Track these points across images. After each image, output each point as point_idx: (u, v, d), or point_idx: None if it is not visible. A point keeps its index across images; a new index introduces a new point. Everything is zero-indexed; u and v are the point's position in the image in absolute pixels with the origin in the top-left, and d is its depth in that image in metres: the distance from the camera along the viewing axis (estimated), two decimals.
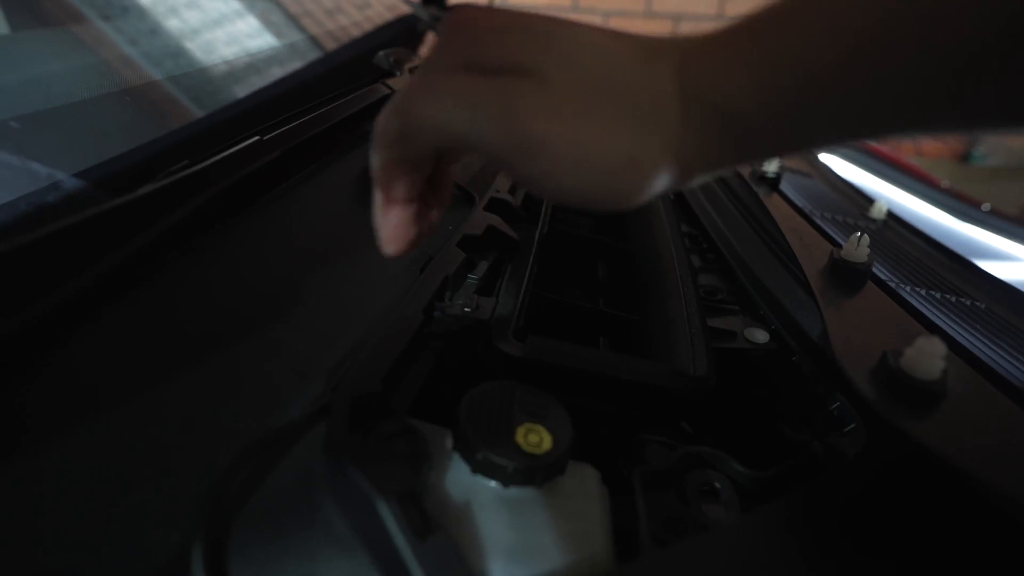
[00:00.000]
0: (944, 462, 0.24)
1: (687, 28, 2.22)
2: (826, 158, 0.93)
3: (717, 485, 0.30)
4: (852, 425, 0.32)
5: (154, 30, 0.45)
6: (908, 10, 0.18)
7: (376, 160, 0.24)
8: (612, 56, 0.22)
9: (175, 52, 0.45)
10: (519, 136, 0.21)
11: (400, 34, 0.86)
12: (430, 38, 0.94)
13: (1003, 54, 0.18)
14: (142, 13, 0.45)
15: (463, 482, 0.26)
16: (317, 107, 0.43)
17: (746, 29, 0.22)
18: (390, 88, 0.52)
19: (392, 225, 0.26)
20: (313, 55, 0.60)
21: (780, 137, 0.22)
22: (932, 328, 0.36)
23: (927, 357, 0.27)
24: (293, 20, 0.63)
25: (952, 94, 0.19)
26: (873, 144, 1.06)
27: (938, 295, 0.42)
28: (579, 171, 0.21)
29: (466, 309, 0.33)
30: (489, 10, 0.23)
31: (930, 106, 0.20)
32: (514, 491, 0.26)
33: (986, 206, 0.93)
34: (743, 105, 0.21)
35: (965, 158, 2.64)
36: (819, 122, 0.21)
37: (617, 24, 2.08)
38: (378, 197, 0.25)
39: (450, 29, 0.23)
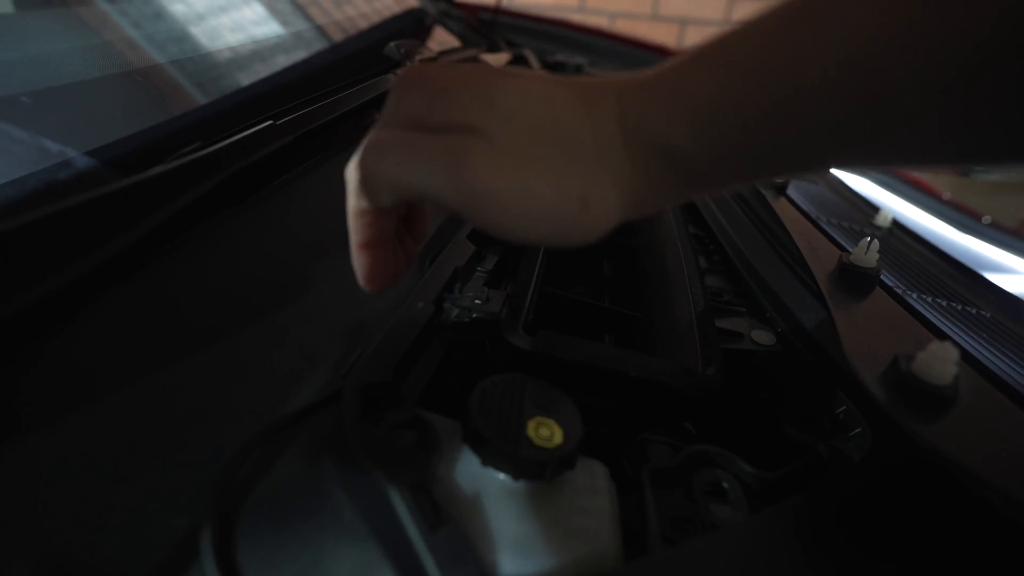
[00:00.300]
0: (956, 467, 0.24)
1: (693, 32, 2.22)
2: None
3: (725, 485, 0.30)
4: (858, 429, 0.32)
5: (167, 13, 0.45)
6: (818, 63, 0.20)
7: (348, 206, 0.25)
8: (553, 104, 0.23)
9: (188, 35, 0.44)
10: (469, 191, 0.22)
11: (408, 26, 0.86)
12: (437, 32, 0.94)
13: (903, 101, 0.19)
14: None
15: (472, 474, 0.25)
16: (329, 94, 0.43)
17: (679, 74, 0.22)
18: None
19: (367, 266, 0.26)
20: (324, 44, 0.59)
21: (725, 173, 0.23)
22: (940, 335, 0.36)
23: (940, 362, 0.27)
24: (303, 9, 0.62)
25: (874, 135, 0.20)
26: None
27: (944, 303, 0.42)
28: (531, 217, 0.22)
29: (476, 301, 0.33)
30: (435, 70, 0.24)
31: (853, 144, 0.21)
32: (524, 484, 0.25)
33: (987, 219, 0.93)
34: (683, 146, 0.22)
35: (965, 172, 2.66)
36: (760, 160, 0.22)
37: (623, 26, 2.08)
38: (352, 239, 0.26)
39: (401, 89, 0.24)
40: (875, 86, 0.19)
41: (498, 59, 0.87)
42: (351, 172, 0.25)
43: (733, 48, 0.22)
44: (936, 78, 0.19)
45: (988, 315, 0.42)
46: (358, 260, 0.27)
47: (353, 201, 0.25)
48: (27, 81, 0.30)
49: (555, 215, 0.22)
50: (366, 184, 0.24)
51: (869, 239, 0.39)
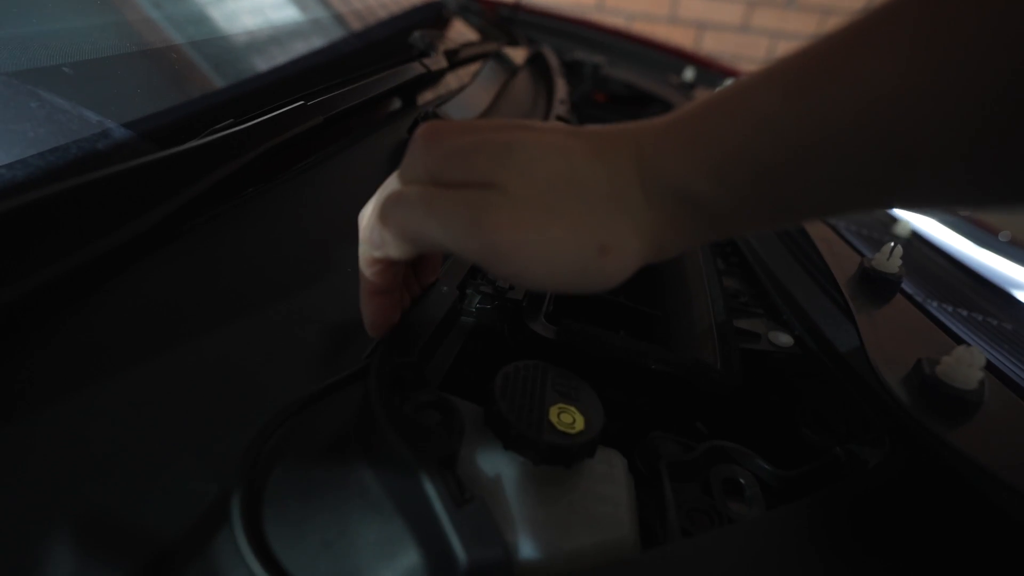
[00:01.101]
0: (982, 471, 0.24)
1: (710, 36, 2.21)
2: None
3: (741, 481, 0.30)
4: (875, 432, 0.32)
5: None
6: (841, 114, 0.20)
7: (361, 253, 0.26)
8: (569, 156, 0.23)
9: (222, 15, 0.44)
10: (489, 245, 0.22)
11: (429, 18, 0.86)
12: (457, 24, 0.94)
13: (936, 144, 0.19)
14: None
15: (493, 458, 0.26)
16: (356, 79, 0.43)
17: (699, 120, 0.22)
18: (427, 67, 0.52)
19: (373, 312, 0.27)
20: (349, 32, 0.59)
21: (748, 219, 0.23)
22: (961, 343, 0.36)
23: (965, 367, 0.27)
24: None
25: (900, 183, 0.20)
26: None
27: (964, 313, 0.42)
28: (551, 267, 0.22)
29: (499, 287, 0.33)
30: (453, 127, 0.24)
31: (878, 193, 0.21)
32: (544, 469, 0.26)
33: (1005, 235, 0.92)
34: (704, 191, 0.22)
35: None
36: (784, 206, 0.22)
37: (641, 28, 2.07)
38: (363, 287, 0.26)
39: (419, 144, 0.24)
40: (899, 137, 0.19)
41: (517, 54, 0.87)
42: (365, 221, 0.25)
43: (755, 96, 0.22)
44: (961, 128, 0.18)
45: (1010, 327, 0.42)
46: (367, 307, 0.27)
47: (367, 249, 0.25)
48: (66, 52, 0.31)
49: (575, 264, 0.22)
50: (386, 236, 0.24)
51: (892, 244, 0.39)
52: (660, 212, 0.23)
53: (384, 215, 0.24)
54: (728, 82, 1.00)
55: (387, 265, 0.26)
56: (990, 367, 0.34)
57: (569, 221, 0.22)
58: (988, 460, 0.24)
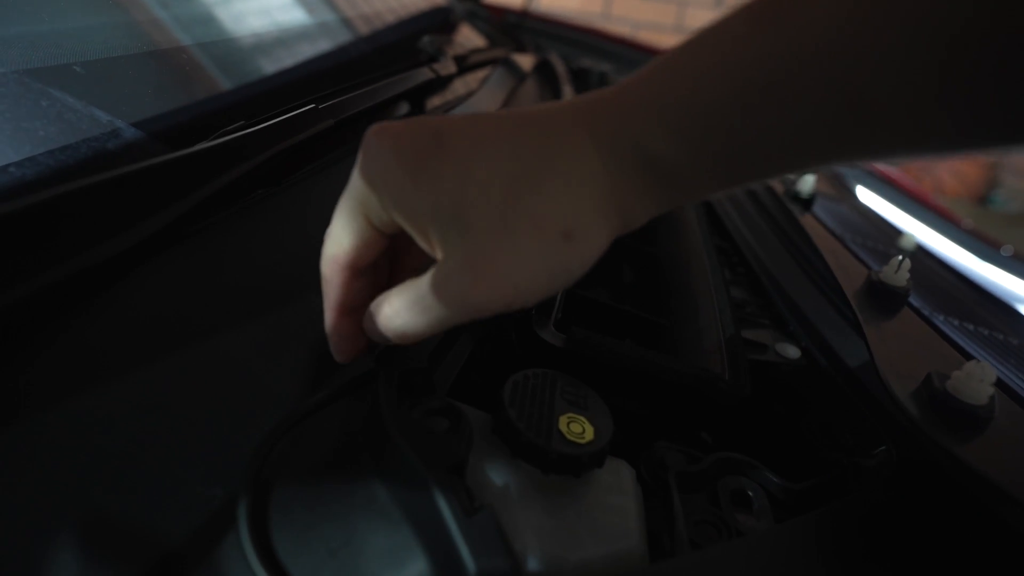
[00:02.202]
0: (993, 487, 0.24)
1: None
2: (856, 188, 0.93)
3: (750, 493, 0.29)
4: (883, 446, 0.32)
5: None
6: (785, 60, 0.20)
7: (327, 254, 0.25)
8: (526, 156, 0.22)
9: (231, 17, 0.45)
10: (456, 297, 0.22)
11: (436, 23, 0.86)
12: (464, 30, 0.94)
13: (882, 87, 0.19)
14: None
15: (503, 466, 0.25)
16: (366, 83, 0.43)
17: (649, 81, 0.22)
18: (436, 72, 0.52)
19: (345, 337, 0.26)
20: (357, 36, 0.60)
21: (709, 177, 0.23)
22: (969, 357, 0.36)
23: (976, 381, 0.27)
24: (338, 3, 0.63)
25: (852, 131, 0.20)
26: (895, 177, 1.06)
27: (971, 327, 0.42)
28: (524, 280, 0.22)
29: None
30: (399, 147, 0.22)
31: (832, 142, 0.21)
32: (553, 479, 0.25)
33: (1007, 249, 0.93)
34: (662, 151, 0.22)
35: (984, 201, 2.64)
36: (743, 161, 0.22)
37: (646, 36, 2.08)
38: (329, 300, 0.25)
39: (366, 163, 0.23)
40: (847, 81, 0.19)
41: (525, 61, 0.87)
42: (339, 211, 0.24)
43: (700, 51, 0.22)
44: (909, 70, 0.18)
45: (1016, 342, 0.41)
46: (336, 327, 0.25)
47: (335, 244, 0.24)
48: (77, 51, 0.31)
49: (545, 267, 0.22)
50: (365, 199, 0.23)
51: (900, 258, 0.39)
52: (621, 181, 0.23)
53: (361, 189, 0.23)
54: None
55: (354, 272, 0.24)
56: (998, 382, 0.34)
57: (531, 229, 0.22)
58: (999, 476, 0.24)
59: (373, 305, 0.25)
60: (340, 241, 0.24)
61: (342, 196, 0.24)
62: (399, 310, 0.24)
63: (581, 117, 0.23)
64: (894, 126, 0.20)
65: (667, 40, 2.18)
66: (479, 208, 0.22)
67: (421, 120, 0.23)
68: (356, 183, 0.23)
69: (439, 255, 0.23)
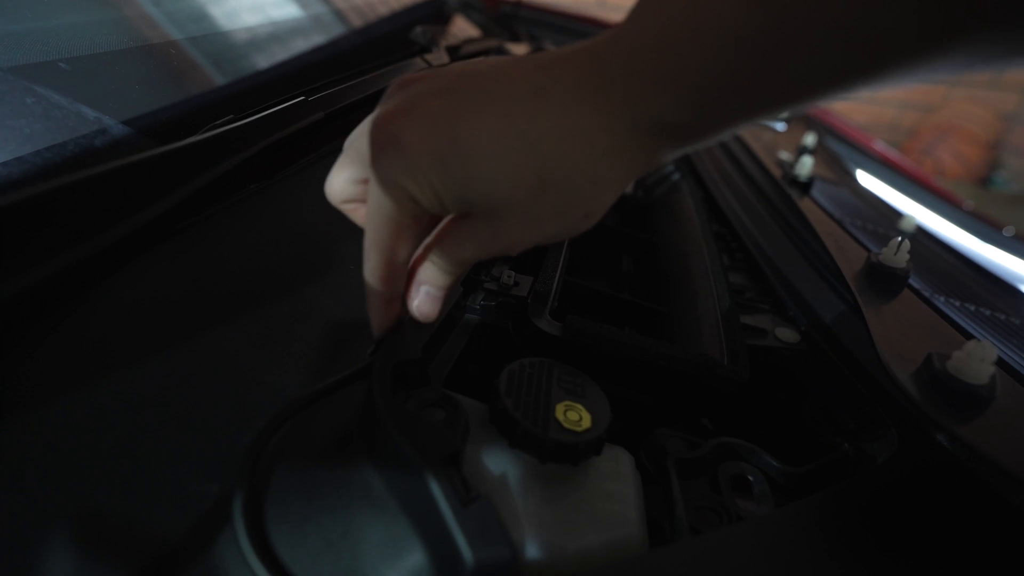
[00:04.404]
0: (993, 465, 0.24)
1: None
2: (855, 171, 0.92)
3: (750, 478, 0.29)
4: (883, 429, 0.32)
5: None
6: None
7: (377, 212, 0.25)
8: (544, 151, 0.23)
9: (221, 11, 0.44)
10: (481, 250, 0.25)
11: (430, 14, 0.86)
12: (458, 21, 0.93)
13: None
14: None
15: (500, 455, 0.25)
16: (357, 75, 0.43)
17: (666, 46, 0.22)
18: (428, 63, 0.52)
19: (382, 309, 0.27)
20: (350, 28, 0.59)
21: (717, 127, 0.23)
22: (969, 337, 0.35)
23: (977, 361, 0.26)
24: None
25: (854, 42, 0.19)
26: (895, 160, 1.06)
27: (972, 308, 0.42)
28: (543, 240, 0.25)
29: (504, 285, 0.32)
30: (418, 144, 0.23)
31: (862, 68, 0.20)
32: (551, 467, 0.25)
33: (1009, 230, 0.92)
34: (678, 118, 0.22)
35: (986, 182, 2.63)
36: (754, 107, 0.22)
37: None
38: (375, 278, 0.26)
39: (391, 160, 0.23)
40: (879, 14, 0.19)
41: (519, 50, 0.86)
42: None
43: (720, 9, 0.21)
44: None
45: (1018, 322, 0.41)
46: (377, 302, 0.26)
47: (389, 202, 0.24)
48: (62, 48, 0.30)
49: (565, 231, 0.25)
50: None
51: (900, 239, 0.39)
52: (640, 149, 0.23)
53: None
54: None
55: (410, 222, 0.25)
56: (1000, 362, 0.33)
57: (556, 217, 0.24)
58: (1000, 455, 0.24)
59: (425, 266, 0.26)
60: (384, 233, 0.25)
61: (374, 192, 0.24)
62: (439, 264, 0.26)
63: (602, 100, 0.23)
64: (900, 42, 0.19)
65: None
66: (508, 200, 0.23)
67: (421, 106, 0.23)
68: (389, 179, 0.24)
69: (473, 223, 0.25)
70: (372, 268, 0.25)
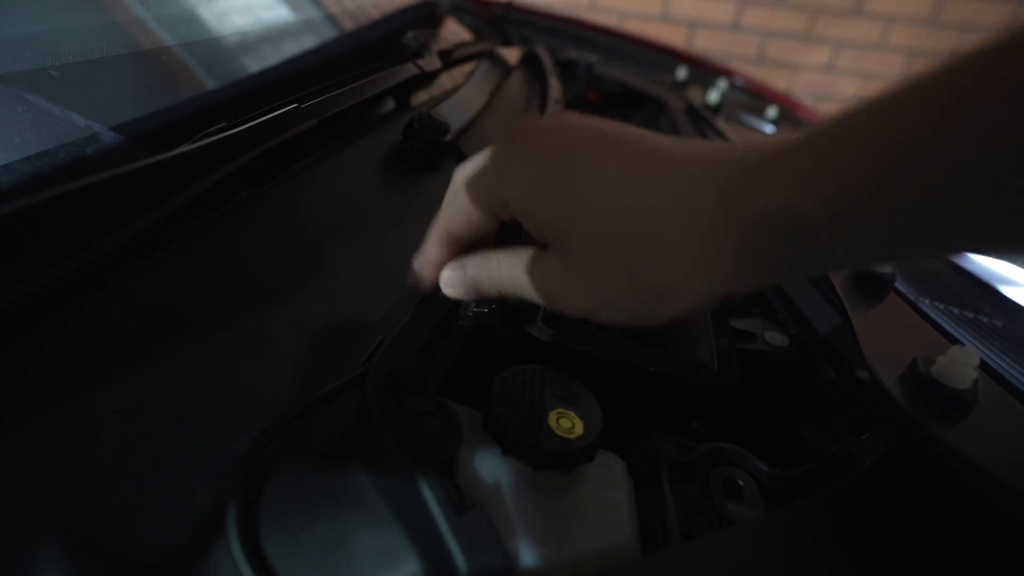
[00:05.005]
0: (976, 470, 0.24)
1: (702, 35, 2.22)
2: None
3: (740, 482, 0.30)
4: (871, 432, 0.32)
5: None
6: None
7: (464, 188, 0.27)
8: (638, 200, 0.22)
9: (211, 16, 0.44)
10: (550, 302, 0.25)
11: (422, 17, 0.86)
12: (449, 24, 0.93)
13: None
14: None
15: (493, 463, 0.26)
16: (350, 81, 0.43)
17: (820, 145, 0.20)
18: (421, 68, 0.52)
19: (433, 267, 0.29)
20: (341, 32, 0.59)
21: (858, 252, 0.20)
22: (954, 341, 0.36)
23: (960, 366, 0.27)
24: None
25: None
26: None
27: (957, 311, 0.42)
28: (607, 313, 0.24)
29: None
30: (536, 154, 0.24)
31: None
32: (544, 475, 0.25)
33: None
34: (811, 226, 0.20)
35: None
36: (910, 240, 0.19)
37: (633, 27, 2.08)
38: (430, 243, 0.29)
39: (504, 157, 0.25)
40: None
41: (510, 54, 0.87)
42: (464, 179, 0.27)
43: (895, 116, 0.18)
44: None
45: (1000, 324, 0.42)
46: (431, 256, 0.29)
47: (453, 216, 0.27)
48: (53, 55, 0.30)
49: (630, 311, 0.24)
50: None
51: None
52: (741, 247, 0.21)
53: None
54: (721, 82, 0.99)
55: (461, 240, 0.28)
56: (983, 365, 0.34)
57: (625, 275, 0.23)
58: (983, 458, 0.25)
59: (482, 257, 0.28)
60: (457, 217, 0.27)
61: (471, 176, 0.27)
62: (492, 270, 0.27)
63: (715, 181, 0.22)
64: None
65: (654, 30, 2.18)
66: (587, 240, 0.23)
67: (558, 129, 0.24)
68: (489, 172, 0.26)
69: (546, 251, 0.25)
70: (429, 248, 0.28)
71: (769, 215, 0.20)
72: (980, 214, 0.18)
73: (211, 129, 0.31)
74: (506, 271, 0.27)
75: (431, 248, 0.29)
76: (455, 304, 0.32)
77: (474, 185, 0.26)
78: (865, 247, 0.20)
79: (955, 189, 0.17)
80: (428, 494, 0.21)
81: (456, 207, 0.27)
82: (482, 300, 0.33)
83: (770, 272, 0.22)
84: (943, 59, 0.18)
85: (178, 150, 0.28)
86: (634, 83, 0.98)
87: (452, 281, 0.28)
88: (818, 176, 0.19)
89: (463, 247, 0.28)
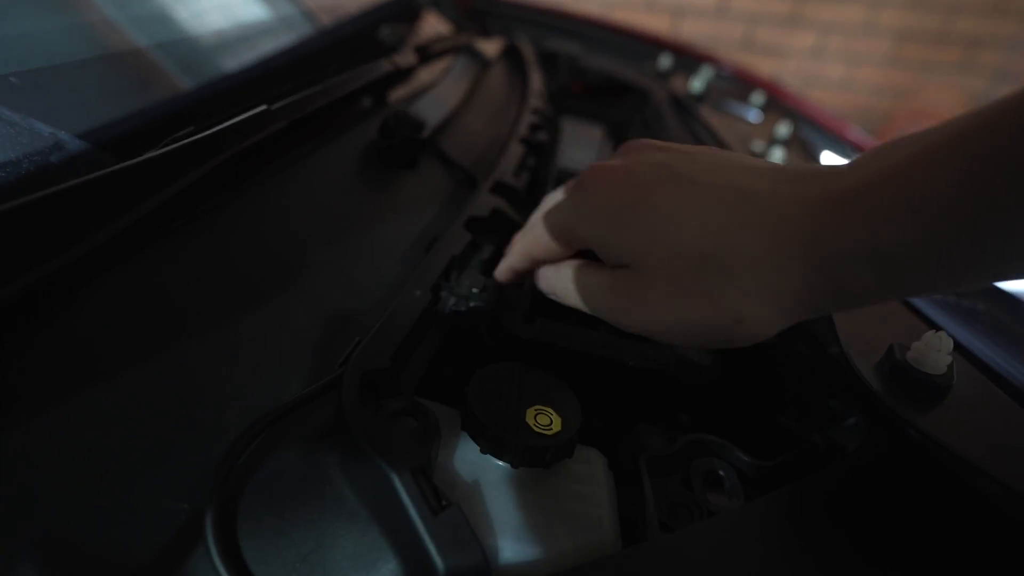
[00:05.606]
0: (949, 455, 0.24)
1: (688, 23, 2.21)
2: (821, 155, 0.93)
3: (721, 473, 0.30)
4: (852, 419, 0.32)
5: None
6: None
7: (531, 239, 0.30)
8: (717, 233, 0.23)
9: (176, 16, 0.43)
10: (624, 323, 0.26)
11: (400, 11, 0.85)
12: (429, 17, 0.93)
13: None
14: None
15: (471, 461, 0.26)
16: (322, 79, 0.42)
17: (906, 175, 0.20)
18: (396, 65, 0.51)
19: (515, 276, 0.32)
20: (315, 28, 0.58)
21: (946, 277, 0.20)
22: (933, 326, 0.36)
23: (934, 351, 0.27)
24: None
25: None
26: (862, 143, 1.07)
27: (937, 295, 0.43)
28: (687, 337, 0.24)
29: (474, 290, 0.32)
30: (609, 195, 0.25)
31: None
32: (522, 472, 0.25)
33: None
34: (900, 253, 0.20)
35: None
36: (1000, 266, 0.19)
37: (619, 15, 2.07)
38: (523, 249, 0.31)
39: (573, 196, 0.27)
40: None
41: (490, 47, 0.86)
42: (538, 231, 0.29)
43: (992, 137, 0.18)
44: None
45: (981, 308, 0.42)
46: (514, 266, 0.32)
47: (532, 243, 0.30)
48: (13, 61, 0.30)
49: (709, 335, 0.24)
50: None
51: None
52: (826, 282, 0.21)
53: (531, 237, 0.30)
54: (705, 69, 0.99)
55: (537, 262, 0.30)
56: (962, 349, 0.34)
57: (703, 302, 0.23)
58: (957, 443, 0.25)
59: (561, 267, 0.29)
60: (536, 244, 0.29)
61: (550, 210, 0.28)
62: (570, 286, 0.28)
63: (794, 220, 0.22)
64: None
65: (640, 18, 2.17)
66: (663, 266, 0.24)
67: (628, 171, 0.25)
68: (566, 210, 0.27)
69: (621, 270, 0.26)
70: (511, 260, 0.31)
71: (852, 250, 0.20)
72: None
73: (179, 133, 0.30)
74: (580, 287, 0.27)
75: (513, 261, 0.31)
76: (432, 302, 0.32)
77: (552, 220, 0.28)
78: (959, 275, 0.20)
79: None
80: (404, 495, 0.21)
81: (536, 235, 0.29)
82: (460, 299, 0.33)
83: (850, 301, 0.22)
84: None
85: (145, 155, 0.27)
86: (618, 73, 0.98)
87: (542, 281, 0.30)
88: (909, 213, 0.19)
89: (540, 264, 0.30)
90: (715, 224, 0.23)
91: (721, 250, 0.23)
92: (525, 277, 0.32)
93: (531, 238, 0.30)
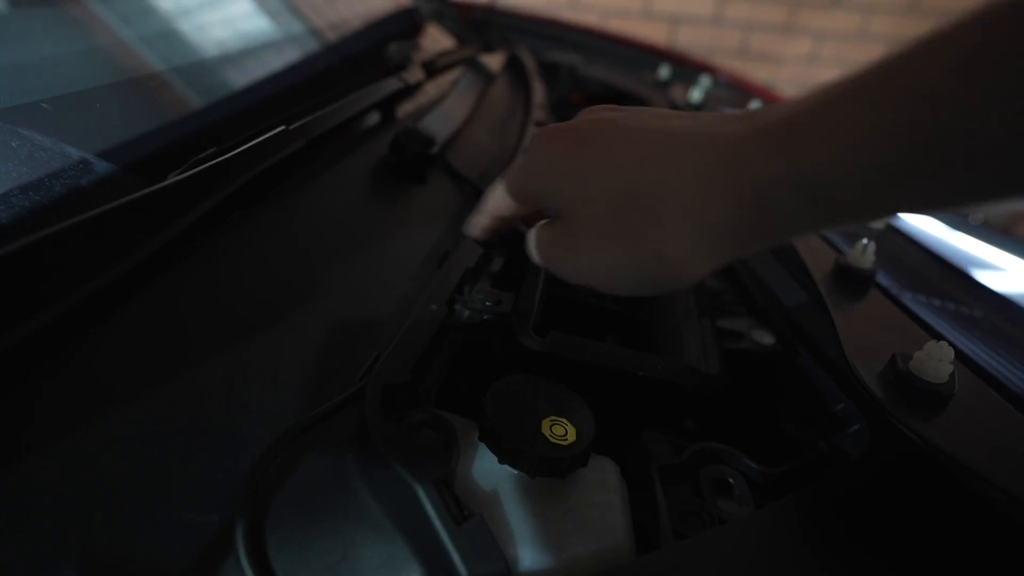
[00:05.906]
0: (952, 461, 0.25)
1: (684, 31, 2.23)
2: None
3: (730, 480, 0.31)
4: (856, 426, 0.33)
5: (168, 17, 0.45)
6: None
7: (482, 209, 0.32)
8: (640, 172, 0.24)
9: (192, 40, 0.44)
10: (556, 269, 0.27)
11: (404, 26, 0.86)
12: (432, 31, 0.94)
13: None
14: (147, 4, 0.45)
15: (489, 471, 0.26)
16: (335, 97, 0.43)
17: (826, 109, 0.20)
18: (405, 81, 0.52)
19: (485, 228, 0.33)
20: (324, 46, 0.59)
21: (868, 210, 0.21)
22: (935, 335, 0.37)
23: (936, 361, 0.28)
24: (300, 12, 0.63)
25: None
26: None
27: (938, 303, 0.44)
28: (611, 279, 0.25)
29: (487, 303, 0.33)
30: (552, 138, 0.27)
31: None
32: (539, 481, 0.26)
33: (976, 219, 0.95)
34: (827, 180, 0.20)
35: None
36: (925, 193, 0.19)
37: (615, 24, 2.08)
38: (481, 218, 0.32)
39: (524, 155, 0.29)
40: None
41: (493, 60, 0.87)
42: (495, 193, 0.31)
43: (914, 75, 0.18)
44: None
45: (980, 314, 0.43)
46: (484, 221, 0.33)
47: (494, 205, 0.31)
48: (39, 87, 0.31)
49: (635, 276, 0.25)
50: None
51: (865, 241, 0.40)
52: (750, 212, 0.21)
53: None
54: (704, 79, 1.00)
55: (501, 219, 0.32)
56: (963, 357, 0.35)
57: (627, 241, 0.24)
58: (959, 450, 0.26)
59: (532, 230, 0.30)
60: (494, 202, 0.31)
61: (508, 174, 0.30)
62: (533, 246, 0.29)
63: (715, 146, 0.22)
64: None
65: (635, 27, 2.19)
66: (590, 208, 0.25)
67: (575, 125, 0.27)
68: (519, 168, 0.29)
69: (554, 221, 0.27)
70: (480, 219, 0.32)
71: (777, 178, 0.21)
72: (1010, 157, 0.17)
73: (202, 156, 0.31)
74: (538, 245, 0.28)
75: (481, 219, 0.32)
76: (447, 316, 0.33)
77: (508, 178, 0.30)
78: (887, 201, 0.20)
79: (984, 136, 0.17)
80: (428, 505, 0.22)
81: (498, 194, 0.31)
82: (474, 311, 0.34)
83: (779, 233, 0.22)
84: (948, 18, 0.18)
85: (170, 179, 0.28)
86: (617, 83, 0.99)
87: (527, 247, 0.31)
88: (836, 137, 0.19)
89: (507, 221, 0.32)
90: (641, 164, 0.23)
91: (645, 188, 0.23)
92: (496, 234, 0.33)
93: (494, 197, 0.31)
